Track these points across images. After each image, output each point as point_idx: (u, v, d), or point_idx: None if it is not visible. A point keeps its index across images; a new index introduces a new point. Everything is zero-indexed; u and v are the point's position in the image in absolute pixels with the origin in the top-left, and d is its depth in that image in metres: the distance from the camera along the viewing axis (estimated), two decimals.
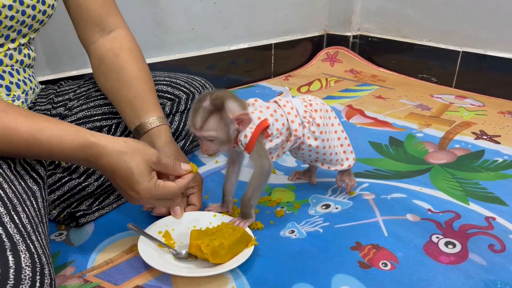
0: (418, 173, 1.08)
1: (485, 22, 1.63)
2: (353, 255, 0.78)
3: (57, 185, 0.86)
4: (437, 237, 0.83)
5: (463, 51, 1.72)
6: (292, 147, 0.87)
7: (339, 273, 0.73)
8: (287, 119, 0.82)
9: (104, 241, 0.81)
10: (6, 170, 0.66)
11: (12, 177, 0.66)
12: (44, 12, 0.86)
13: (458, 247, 0.80)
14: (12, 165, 0.68)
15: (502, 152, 1.20)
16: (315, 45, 2.06)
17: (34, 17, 0.85)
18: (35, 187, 0.69)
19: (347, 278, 0.72)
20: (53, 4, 0.88)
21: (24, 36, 0.88)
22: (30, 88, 0.92)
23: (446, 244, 0.81)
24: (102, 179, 0.89)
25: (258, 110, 0.81)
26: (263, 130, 0.79)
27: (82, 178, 0.88)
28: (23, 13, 0.82)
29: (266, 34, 1.83)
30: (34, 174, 0.71)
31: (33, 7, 0.83)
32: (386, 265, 0.75)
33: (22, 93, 0.89)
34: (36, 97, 0.96)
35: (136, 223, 0.80)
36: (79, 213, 0.85)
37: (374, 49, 2.00)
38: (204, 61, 1.62)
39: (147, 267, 0.74)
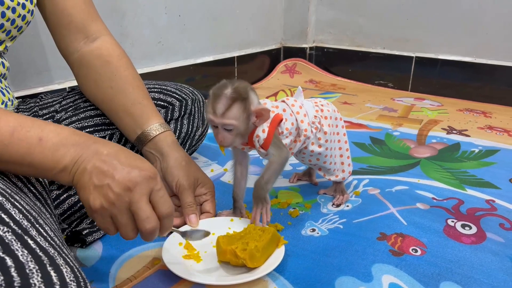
0: (409, 167, 1.11)
1: (435, 28, 1.76)
2: (382, 245, 0.77)
3: (56, 203, 0.78)
4: (452, 221, 0.85)
5: (416, 56, 1.83)
6: (301, 148, 0.86)
7: (375, 263, 0.72)
8: (296, 119, 0.81)
9: (119, 258, 0.74)
10: (11, 181, 0.58)
11: (16, 189, 0.58)
12: (24, 18, 0.80)
13: (474, 228, 0.83)
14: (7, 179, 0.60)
15: (475, 143, 1.27)
16: (272, 58, 2.09)
17: (13, 22, 0.78)
18: (38, 203, 0.61)
19: (385, 266, 0.72)
20: (32, 10, 0.81)
21: (0, 43, 0.80)
22: (9, 100, 0.84)
23: (463, 226, 0.84)
24: None
25: (270, 106, 0.80)
26: (278, 124, 0.78)
27: None
28: (3, 14, 0.75)
29: (229, 47, 1.83)
30: (32, 189, 0.63)
31: (13, 10, 0.77)
32: (416, 251, 0.76)
33: (2, 103, 0.81)
34: (16, 111, 0.87)
35: None
36: (85, 231, 0.77)
37: (330, 60, 2.07)
38: (171, 74, 1.58)
39: (176, 280, 0.69)
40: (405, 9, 1.81)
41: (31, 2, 0.79)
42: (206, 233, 0.73)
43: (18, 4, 0.76)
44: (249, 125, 0.74)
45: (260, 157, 0.79)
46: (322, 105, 0.85)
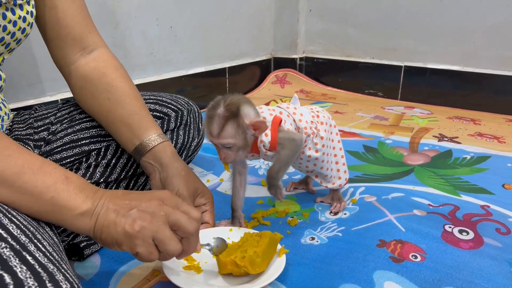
0: (403, 174, 1.12)
1: (423, 37, 1.79)
2: (382, 252, 0.78)
3: None
4: (450, 227, 0.86)
5: (405, 66, 1.85)
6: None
7: (377, 270, 0.73)
8: (294, 119, 0.82)
9: (118, 271, 0.73)
10: None
11: None
12: (23, 31, 0.79)
13: (471, 234, 0.84)
14: None
15: (466, 150, 1.29)
16: (263, 69, 2.10)
17: (13, 35, 0.77)
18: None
19: (386, 273, 0.72)
20: (32, 23, 0.81)
21: None
22: (5, 114, 0.83)
23: (460, 232, 0.84)
24: None
25: (266, 110, 0.81)
26: (279, 125, 0.79)
27: None
28: (4, 28, 0.74)
29: (220, 58, 1.84)
30: None
31: (14, 23, 0.76)
32: (416, 257, 0.76)
33: None
34: (11, 123, 0.86)
35: None
36: (82, 244, 0.76)
37: (320, 70, 2.09)
38: (162, 85, 1.57)
39: None
40: (393, 19, 1.84)
41: (32, 15, 0.79)
42: (223, 241, 0.73)
43: (20, 17, 0.76)
44: (249, 138, 0.75)
45: (265, 162, 0.79)
46: (317, 111, 0.87)
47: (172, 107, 0.98)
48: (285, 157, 0.77)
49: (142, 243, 0.56)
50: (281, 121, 0.79)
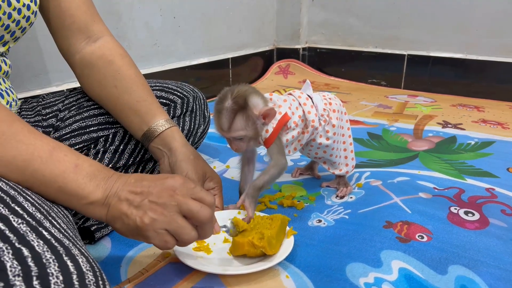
0: (408, 160, 1.13)
1: (426, 26, 1.79)
2: (388, 232, 0.79)
3: None
4: (455, 209, 0.87)
5: (408, 54, 1.86)
6: (308, 140, 0.87)
7: (384, 250, 0.74)
8: (303, 111, 0.82)
9: (129, 253, 0.74)
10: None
11: None
12: (28, 19, 0.80)
13: (477, 215, 0.85)
14: None
15: (470, 136, 1.30)
16: (266, 59, 2.11)
17: (18, 23, 0.78)
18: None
19: (393, 253, 0.73)
20: (36, 12, 0.81)
21: (4, 44, 0.80)
22: (13, 100, 0.84)
23: (466, 213, 0.85)
24: None
25: (278, 104, 0.80)
26: (284, 125, 0.79)
27: None
28: (9, 16, 0.75)
29: (222, 49, 1.84)
30: None
31: (19, 11, 0.77)
32: (422, 237, 0.77)
33: (7, 104, 0.81)
34: (19, 110, 0.87)
35: None
36: (93, 227, 0.77)
37: (323, 60, 2.09)
38: (166, 76, 1.58)
39: (188, 271, 0.69)
40: (396, 8, 1.84)
41: (35, 4, 0.79)
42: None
43: (24, 5, 0.77)
44: (259, 127, 0.76)
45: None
46: (330, 98, 0.87)
47: (178, 94, 0.99)
48: (271, 171, 0.77)
49: (154, 235, 0.57)
50: (287, 120, 0.79)
